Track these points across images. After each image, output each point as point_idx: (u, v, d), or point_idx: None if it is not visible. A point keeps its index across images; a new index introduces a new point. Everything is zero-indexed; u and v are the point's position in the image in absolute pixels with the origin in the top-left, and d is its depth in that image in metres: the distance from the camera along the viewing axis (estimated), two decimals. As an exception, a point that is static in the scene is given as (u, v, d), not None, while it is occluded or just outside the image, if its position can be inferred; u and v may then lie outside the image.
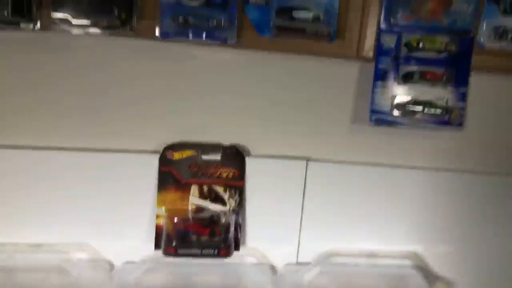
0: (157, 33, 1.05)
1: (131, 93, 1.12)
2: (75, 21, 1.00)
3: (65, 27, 1.00)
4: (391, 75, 1.15)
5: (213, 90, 1.15)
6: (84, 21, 1.01)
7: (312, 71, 1.17)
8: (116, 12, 1.01)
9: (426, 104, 1.16)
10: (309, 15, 1.06)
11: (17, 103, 1.09)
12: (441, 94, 1.16)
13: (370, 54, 1.14)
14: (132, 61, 1.10)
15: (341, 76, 1.19)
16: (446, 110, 1.17)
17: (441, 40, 1.13)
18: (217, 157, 1.16)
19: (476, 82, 1.18)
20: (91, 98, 1.11)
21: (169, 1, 1.03)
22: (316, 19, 1.06)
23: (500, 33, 1.15)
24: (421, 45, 1.12)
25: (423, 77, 1.15)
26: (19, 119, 1.10)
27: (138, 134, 1.15)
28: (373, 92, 1.15)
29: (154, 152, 1.15)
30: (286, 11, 1.06)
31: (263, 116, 1.18)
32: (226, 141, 1.18)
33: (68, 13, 0.99)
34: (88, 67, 1.09)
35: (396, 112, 1.16)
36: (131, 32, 1.04)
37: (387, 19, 1.12)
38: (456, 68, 1.15)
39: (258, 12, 1.08)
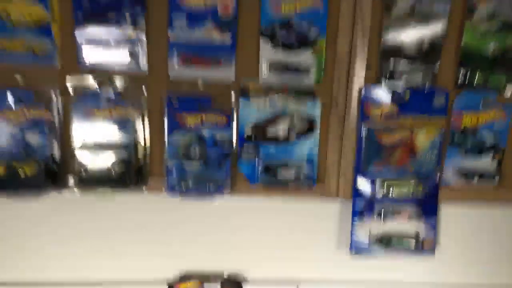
0: (164, 190, 1.25)
1: (141, 236, 1.34)
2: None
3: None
4: (368, 213, 1.32)
5: (213, 228, 1.35)
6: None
7: (298, 210, 1.35)
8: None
9: (400, 237, 1.32)
10: (291, 174, 1.25)
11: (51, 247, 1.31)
12: (414, 228, 1.32)
13: (348, 195, 1.32)
14: (141, 211, 1.32)
15: (324, 212, 1.36)
16: (418, 240, 1.33)
17: (410, 183, 1.30)
18: (217, 285, 1.34)
19: (445, 213, 1.35)
20: (106, 239, 1.33)
21: (173, 164, 1.24)
22: (297, 177, 1.25)
23: (464, 174, 1.31)
24: (392, 189, 1.29)
25: (396, 215, 1.31)
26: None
27: (147, 267, 1.35)
28: (352, 226, 1.32)
29: (162, 283, 1.35)
30: (271, 170, 1.25)
31: (257, 246, 1.36)
32: (226, 268, 1.36)
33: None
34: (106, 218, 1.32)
35: (373, 245, 1.32)
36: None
37: (361, 166, 1.29)
38: (425, 204, 1.31)
39: (249, 166, 1.28)
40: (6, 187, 1.17)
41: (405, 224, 1.32)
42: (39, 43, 1.15)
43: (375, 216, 1.32)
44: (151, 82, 1.22)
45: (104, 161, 1.19)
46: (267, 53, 1.22)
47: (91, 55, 1.17)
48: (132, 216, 1.33)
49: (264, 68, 1.22)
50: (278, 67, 1.23)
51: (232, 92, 1.24)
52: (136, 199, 1.28)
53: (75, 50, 1.17)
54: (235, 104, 1.24)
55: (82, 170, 1.17)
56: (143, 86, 1.22)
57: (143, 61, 1.20)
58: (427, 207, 1.32)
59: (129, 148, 1.21)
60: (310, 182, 1.28)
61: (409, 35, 1.22)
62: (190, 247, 1.36)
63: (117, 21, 1.16)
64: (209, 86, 1.23)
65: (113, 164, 1.18)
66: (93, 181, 1.19)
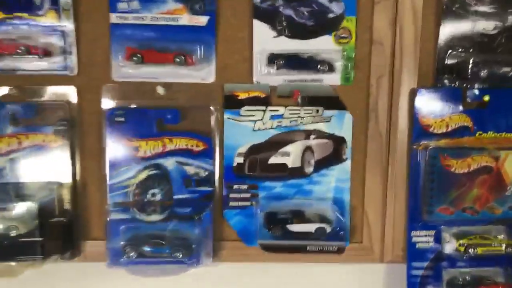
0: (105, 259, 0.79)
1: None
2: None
3: None
4: (432, 284, 0.84)
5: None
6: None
7: (320, 280, 0.87)
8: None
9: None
10: (309, 228, 0.78)
11: None
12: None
13: (399, 257, 0.84)
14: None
15: (363, 284, 0.89)
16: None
17: (496, 236, 0.83)
18: None
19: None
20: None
21: (118, 218, 0.78)
22: (319, 232, 0.78)
23: None
24: (469, 246, 0.82)
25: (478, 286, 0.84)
26: None
27: None
28: (408, 307, 0.84)
29: None
30: (277, 222, 0.79)
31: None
32: None
33: None
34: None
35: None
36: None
37: (418, 210, 0.83)
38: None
39: (241, 217, 0.82)
40: None
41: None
42: None
43: (443, 289, 0.84)
44: (83, 89, 0.78)
45: (5, 218, 0.73)
46: (265, 41, 0.79)
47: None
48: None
49: (260, 64, 0.79)
50: (282, 63, 0.79)
51: (211, 103, 0.79)
52: (64, 271, 0.81)
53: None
54: (217, 120, 0.80)
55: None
56: (72, 97, 0.78)
57: (71, 59, 0.76)
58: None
59: (48, 196, 0.76)
60: (340, 239, 0.81)
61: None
62: None
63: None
64: (175, 93, 0.79)
65: (17, 222, 0.73)
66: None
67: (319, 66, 0.80)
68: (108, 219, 0.78)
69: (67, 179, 0.78)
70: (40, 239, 0.73)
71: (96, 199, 0.81)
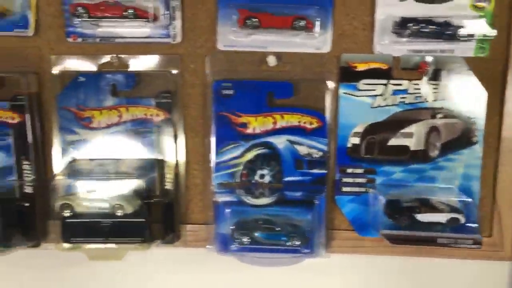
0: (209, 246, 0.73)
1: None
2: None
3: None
4: None
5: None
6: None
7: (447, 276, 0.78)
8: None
9: None
10: (438, 218, 0.68)
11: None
12: None
13: (534, 255, 0.74)
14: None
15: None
16: None
17: None
18: None
19: None
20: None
21: (225, 201, 0.71)
22: (453, 221, 0.68)
23: None
24: None
25: None
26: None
27: None
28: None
29: None
30: (400, 210, 0.70)
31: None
32: None
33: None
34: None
35: None
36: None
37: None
38: None
39: (356, 204, 0.73)
40: None
41: None
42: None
43: None
44: (186, 58, 0.71)
45: (106, 197, 0.68)
46: (390, 4, 0.70)
47: (87, 23, 0.69)
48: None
49: (383, 32, 0.70)
50: (411, 31, 0.69)
51: (325, 75, 0.70)
52: (163, 256, 0.76)
53: (61, 14, 0.69)
54: (332, 95, 0.71)
55: (65, 212, 0.67)
56: (174, 66, 0.71)
57: (174, 26, 0.69)
58: None
59: (149, 174, 0.70)
60: (473, 232, 0.71)
61: None
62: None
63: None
64: (285, 64, 0.70)
65: (122, 201, 0.67)
66: (86, 231, 0.68)
67: (451, 34, 0.70)
68: (213, 201, 0.72)
69: (169, 156, 0.72)
70: (146, 220, 0.67)
71: (198, 179, 0.74)
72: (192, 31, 0.72)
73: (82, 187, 0.67)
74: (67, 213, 0.66)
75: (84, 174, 0.69)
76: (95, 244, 0.67)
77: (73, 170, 0.70)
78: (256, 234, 0.69)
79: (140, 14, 0.66)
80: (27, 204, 0.71)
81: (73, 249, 0.67)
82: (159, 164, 0.71)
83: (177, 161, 0.73)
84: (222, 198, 0.72)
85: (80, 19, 0.67)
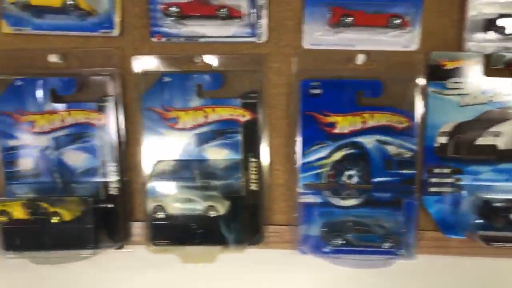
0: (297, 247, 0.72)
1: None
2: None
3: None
4: None
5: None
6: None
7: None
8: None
9: None
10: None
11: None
12: None
13: None
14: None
15: None
16: None
17: None
18: None
19: None
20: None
21: (313, 202, 0.70)
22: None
23: None
24: None
25: None
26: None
27: None
28: None
29: None
30: (493, 211, 0.68)
31: None
32: None
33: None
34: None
35: None
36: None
37: None
38: None
39: (443, 204, 0.72)
40: (29, 242, 0.68)
41: None
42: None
43: None
44: (271, 57, 0.70)
45: (198, 198, 0.67)
46: (481, 1, 0.68)
47: (174, 22, 0.68)
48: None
49: (472, 29, 0.69)
50: (498, 28, 0.67)
51: (413, 74, 0.69)
52: (248, 257, 0.75)
53: (145, 15, 0.68)
54: (421, 94, 0.70)
55: (158, 213, 0.66)
56: (259, 66, 0.70)
57: (260, 24, 0.68)
58: None
59: (234, 175, 0.69)
60: None
61: None
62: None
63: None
64: (372, 62, 0.69)
65: (215, 202, 0.66)
66: (178, 233, 0.68)
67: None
68: (298, 202, 0.71)
69: (254, 157, 0.71)
70: (239, 221, 0.66)
71: (281, 180, 0.73)
72: (277, 30, 0.70)
73: (172, 188, 0.66)
74: (160, 215, 0.65)
75: (170, 175, 0.69)
76: (187, 246, 0.66)
77: (159, 171, 0.70)
78: (349, 236, 0.68)
79: (232, 13, 0.65)
80: (111, 206, 0.71)
81: (164, 252, 0.66)
82: (245, 165, 0.71)
83: (261, 161, 0.72)
84: (308, 199, 0.71)
85: (171, 18, 0.66)
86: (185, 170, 0.70)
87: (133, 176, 0.73)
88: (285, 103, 0.72)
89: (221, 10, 0.65)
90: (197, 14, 0.65)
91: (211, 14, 0.65)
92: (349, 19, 0.65)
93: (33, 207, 0.65)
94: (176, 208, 0.66)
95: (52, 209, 0.65)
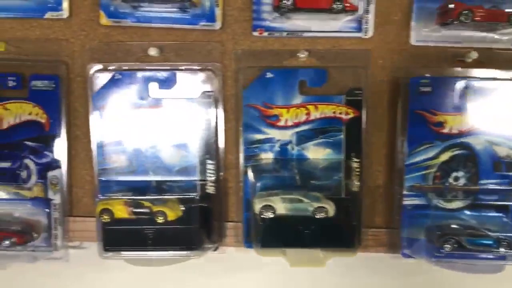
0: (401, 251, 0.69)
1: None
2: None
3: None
4: None
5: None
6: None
7: None
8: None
9: None
10: None
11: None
12: None
13: None
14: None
15: None
16: None
17: None
18: None
19: None
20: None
21: (415, 205, 0.68)
22: None
23: None
24: None
25: None
26: None
27: None
28: None
29: None
30: None
31: None
32: None
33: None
34: None
35: None
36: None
37: None
38: None
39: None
40: (131, 242, 0.66)
41: None
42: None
43: None
44: (376, 53, 0.68)
45: (306, 199, 0.64)
46: None
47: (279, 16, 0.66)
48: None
49: None
50: None
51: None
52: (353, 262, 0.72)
53: (249, 5, 0.66)
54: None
55: (267, 213, 0.64)
56: (363, 62, 0.68)
57: (367, 19, 0.66)
58: None
59: (336, 175, 0.67)
60: None
61: None
62: None
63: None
64: (483, 58, 0.67)
65: (324, 204, 0.63)
66: (287, 234, 0.65)
67: None
68: (401, 204, 0.68)
69: (355, 157, 0.68)
70: (349, 224, 0.64)
71: (380, 181, 0.71)
72: (383, 25, 0.68)
73: (278, 188, 0.64)
74: (269, 215, 0.62)
75: (271, 175, 0.66)
76: (296, 248, 0.64)
77: (259, 170, 0.67)
78: (462, 240, 0.66)
79: (348, 7, 0.63)
80: (208, 205, 0.69)
81: (271, 255, 0.64)
82: (346, 165, 0.68)
83: (361, 161, 0.69)
84: (412, 201, 0.68)
85: (283, 11, 0.63)
86: (285, 170, 0.68)
87: (228, 174, 0.71)
88: (387, 101, 0.70)
89: (337, 3, 0.62)
90: (310, 7, 0.62)
91: (326, 8, 0.62)
92: (469, 15, 0.63)
93: (136, 206, 0.63)
94: (284, 208, 0.63)
95: (155, 208, 0.63)
